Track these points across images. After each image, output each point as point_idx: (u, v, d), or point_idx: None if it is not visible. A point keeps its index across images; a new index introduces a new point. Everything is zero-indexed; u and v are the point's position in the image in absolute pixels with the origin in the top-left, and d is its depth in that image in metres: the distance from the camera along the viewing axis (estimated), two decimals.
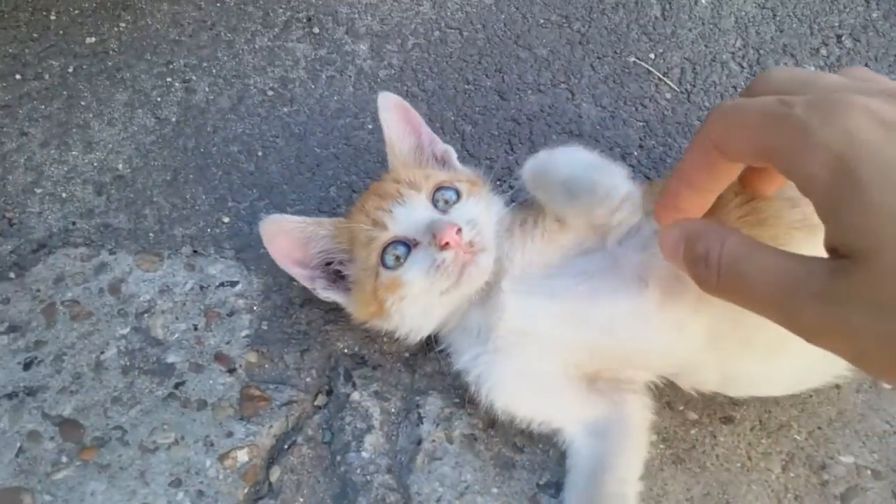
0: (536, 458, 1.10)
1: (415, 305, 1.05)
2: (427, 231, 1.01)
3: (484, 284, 1.05)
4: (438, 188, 1.09)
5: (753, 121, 0.64)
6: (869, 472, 1.11)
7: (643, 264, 1.03)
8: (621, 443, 1.07)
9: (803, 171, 0.59)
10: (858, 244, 0.55)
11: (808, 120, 0.58)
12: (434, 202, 1.08)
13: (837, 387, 1.17)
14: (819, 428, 1.14)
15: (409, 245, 1.04)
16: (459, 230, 0.99)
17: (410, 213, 1.05)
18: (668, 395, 1.15)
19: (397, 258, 1.03)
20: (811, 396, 1.16)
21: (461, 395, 1.14)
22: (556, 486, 1.08)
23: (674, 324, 1.02)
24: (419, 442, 1.10)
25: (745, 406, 1.15)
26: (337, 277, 1.13)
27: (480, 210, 1.08)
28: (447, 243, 0.97)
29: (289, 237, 1.09)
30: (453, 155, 1.21)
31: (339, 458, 1.10)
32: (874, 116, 0.57)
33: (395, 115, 1.17)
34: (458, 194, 1.09)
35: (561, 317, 1.04)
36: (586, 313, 1.04)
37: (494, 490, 1.08)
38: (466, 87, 1.48)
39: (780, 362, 1.03)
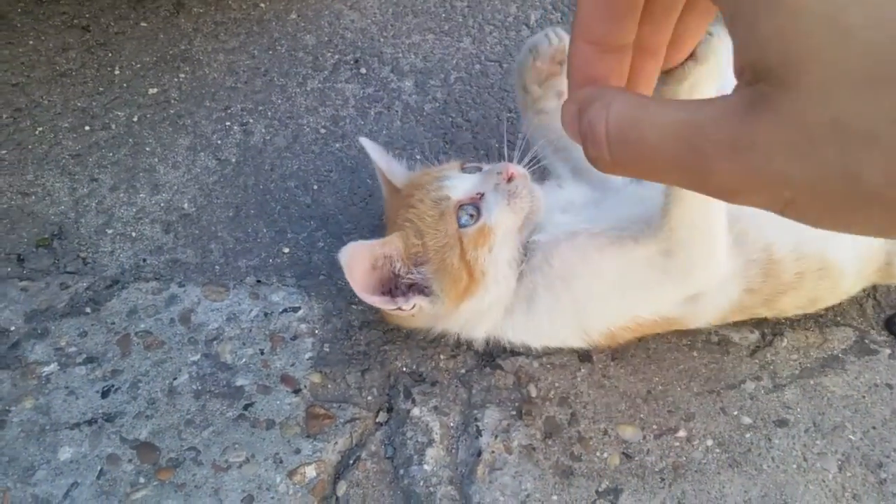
0: (595, 465, 1.13)
1: (505, 247, 1.12)
2: (488, 177, 1.13)
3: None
4: (463, 166, 1.21)
5: None
6: None
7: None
8: None
9: None
10: (780, 57, 0.42)
11: None
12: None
13: (889, 386, 1.18)
14: (874, 427, 1.15)
15: (474, 205, 1.11)
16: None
17: (460, 180, 1.15)
18: (722, 401, 1.18)
19: (471, 216, 1.10)
20: (863, 397, 1.18)
21: (518, 408, 1.18)
22: (615, 492, 1.10)
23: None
24: (479, 453, 1.14)
25: (798, 409, 1.17)
26: (409, 290, 1.13)
27: None
28: (512, 174, 1.10)
29: (366, 264, 1.09)
30: None
31: (402, 471, 1.14)
32: None
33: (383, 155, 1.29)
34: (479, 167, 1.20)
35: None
36: None
37: (555, 498, 1.11)
38: (509, 115, 1.54)
39: None
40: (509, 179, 1.10)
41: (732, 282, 1.12)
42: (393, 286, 1.12)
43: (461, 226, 1.10)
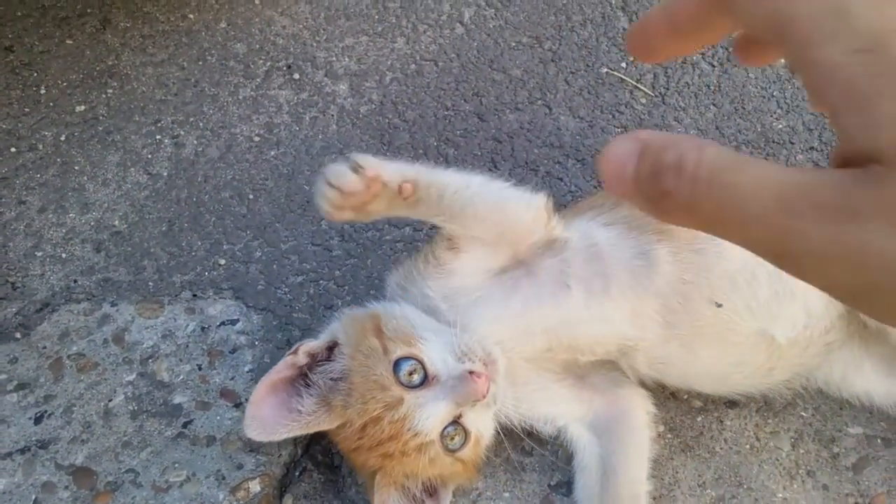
0: (546, 460, 1.11)
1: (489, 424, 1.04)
2: (459, 397, 0.96)
3: None
4: (395, 365, 0.99)
5: None
6: (879, 440, 1.11)
7: (558, 268, 1.05)
8: (627, 441, 1.07)
9: (825, 59, 0.46)
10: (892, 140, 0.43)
11: None
12: (397, 376, 0.98)
13: None
14: (825, 403, 1.14)
15: (455, 422, 0.99)
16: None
17: (426, 408, 0.97)
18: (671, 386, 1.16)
19: (456, 435, 1.00)
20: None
21: None
22: (567, 486, 1.08)
23: (600, 317, 1.04)
24: None
25: None
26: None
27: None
28: (485, 391, 0.95)
29: None
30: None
31: (349, 479, 1.11)
32: None
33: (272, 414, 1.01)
34: (414, 360, 1.00)
35: (509, 333, 1.04)
36: (527, 324, 1.04)
37: (506, 494, 1.08)
38: (446, 112, 1.52)
39: (702, 353, 1.05)
40: (477, 387, 0.95)
41: None
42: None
43: (452, 450, 0.99)
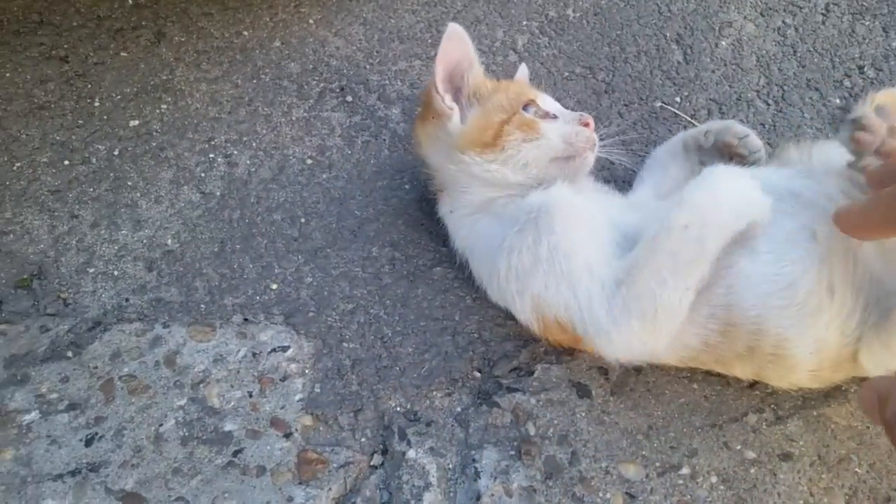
0: None
1: (531, 152, 1.22)
2: (571, 114, 1.30)
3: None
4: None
5: None
6: None
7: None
8: None
9: None
10: None
11: None
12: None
13: None
14: (880, 460, 1.13)
15: (545, 112, 1.27)
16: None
17: (551, 101, 1.33)
18: (724, 436, 1.15)
19: (535, 113, 1.26)
20: (868, 428, 1.15)
21: (517, 447, 1.14)
22: None
23: None
24: (478, 497, 1.10)
25: (802, 441, 1.14)
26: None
27: None
28: (588, 124, 1.26)
29: (459, 51, 1.27)
30: None
31: None
32: None
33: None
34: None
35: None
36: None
37: None
38: None
39: None
40: (584, 125, 1.25)
41: (692, 331, 1.08)
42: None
43: (524, 110, 1.25)
